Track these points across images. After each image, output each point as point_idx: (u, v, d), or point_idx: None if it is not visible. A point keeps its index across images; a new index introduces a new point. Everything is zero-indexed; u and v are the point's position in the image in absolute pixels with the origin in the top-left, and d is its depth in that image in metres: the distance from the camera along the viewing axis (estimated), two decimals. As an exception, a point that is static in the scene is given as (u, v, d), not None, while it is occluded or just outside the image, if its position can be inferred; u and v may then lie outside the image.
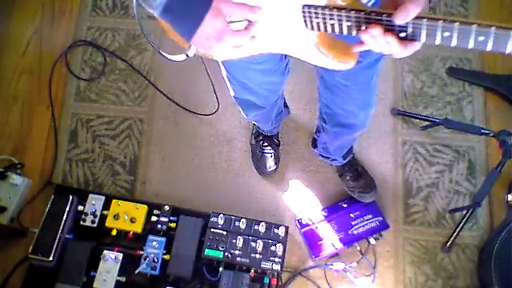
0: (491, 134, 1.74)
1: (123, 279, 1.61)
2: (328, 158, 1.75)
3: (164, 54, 0.93)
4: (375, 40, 0.74)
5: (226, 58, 0.88)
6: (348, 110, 1.31)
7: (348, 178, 1.78)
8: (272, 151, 1.85)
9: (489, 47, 0.67)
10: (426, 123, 1.90)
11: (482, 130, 1.76)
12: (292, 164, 1.90)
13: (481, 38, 0.67)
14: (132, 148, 1.96)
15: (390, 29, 0.72)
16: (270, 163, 1.85)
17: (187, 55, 0.90)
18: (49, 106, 2.03)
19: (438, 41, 0.70)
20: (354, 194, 1.79)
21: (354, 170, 1.78)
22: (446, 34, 0.69)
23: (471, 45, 0.68)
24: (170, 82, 2.05)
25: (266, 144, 1.84)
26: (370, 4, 0.88)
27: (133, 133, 1.98)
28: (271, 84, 1.30)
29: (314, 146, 1.79)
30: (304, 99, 1.98)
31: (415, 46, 0.74)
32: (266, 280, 1.60)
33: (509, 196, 1.77)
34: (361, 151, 1.89)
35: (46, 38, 2.16)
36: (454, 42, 0.69)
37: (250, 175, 1.90)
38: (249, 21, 0.83)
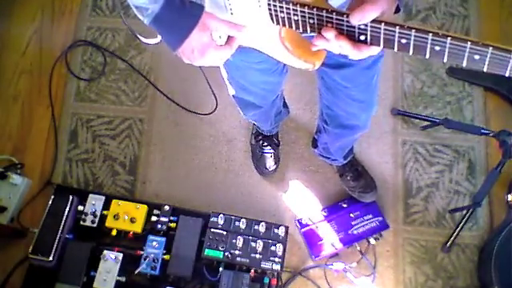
0: (491, 134, 1.74)
1: (123, 279, 1.61)
2: (328, 158, 1.75)
3: (139, 36, 0.95)
4: (328, 42, 0.75)
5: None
6: (350, 111, 1.31)
7: (348, 178, 1.78)
8: (272, 151, 1.85)
9: (445, 58, 0.66)
10: (426, 123, 1.90)
11: (482, 130, 1.76)
12: (292, 164, 1.90)
13: (437, 48, 0.66)
14: (132, 148, 1.96)
15: (349, 30, 0.72)
16: (270, 163, 1.85)
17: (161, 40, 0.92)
18: (49, 106, 2.03)
19: (396, 47, 0.70)
20: (355, 194, 1.79)
21: (355, 169, 1.78)
22: (404, 40, 0.68)
23: (428, 55, 0.67)
24: (169, 82, 2.05)
25: (265, 144, 1.84)
26: (337, 4, 0.88)
27: (133, 133, 1.98)
28: (269, 84, 1.30)
29: (315, 146, 1.79)
30: (304, 99, 1.98)
31: (370, 50, 0.73)
32: (266, 280, 1.61)
33: (509, 196, 1.77)
34: (361, 151, 1.89)
35: (45, 38, 2.16)
36: (411, 51, 0.68)
37: (250, 175, 1.90)
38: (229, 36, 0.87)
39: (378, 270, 1.74)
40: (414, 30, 0.66)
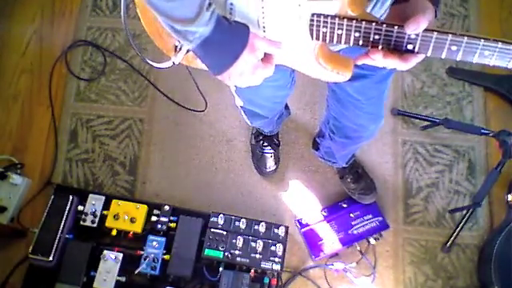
0: (491, 134, 1.74)
1: (123, 279, 1.61)
2: (329, 161, 1.75)
3: (150, 61, 0.93)
4: (375, 62, 0.76)
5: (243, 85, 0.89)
6: (358, 123, 1.30)
7: (349, 180, 1.78)
8: (272, 151, 1.85)
9: (492, 62, 0.71)
10: (426, 123, 1.90)
11: (482, 130, 1.76)
12: (292, 164, 1.90)
13: (486, 53, 0.69)
14: (132, 148, 1.96)
15: (397, 41, 0.73)
16: (270, 163, 1.85)
17: (173, 63, 0.89)
18: (49, 106, 2.03)
19: (444, 55, 0.72)
20: (354, 196, 1.79)
21: (355, 172, 1.78)
22: (454, 47, 0.70)
23: (475, 59, 0.71)
24: (169, 82, 2.05)
25: (265, 144, 1.84)
26: (379, 16, 0.88)
27: (133, 133, 1.98)
28: (279, 97, 1.32)
29: (316, 148, 1.79)
30: (304, 99, 1.98)
31: (418, 58, 0.75)
32: (266, 280, 1.61)
33: (509, 196, 1.77)
34: (361, 151, 1.89)
35: (45, 38, 2.16)
36: (459, 57, 0.72)
37: (250, 175, 1.90)
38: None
39: (377, 269, 1.74)
40: (466, 38, 0.69)
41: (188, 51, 0.85)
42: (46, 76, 2.08)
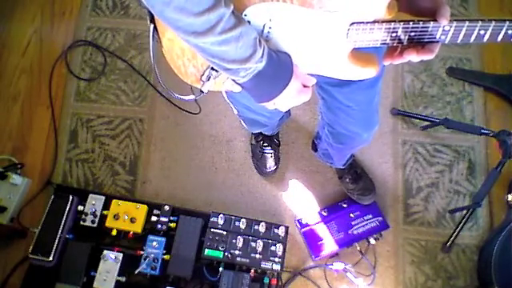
0: (491, 134, 1.74)
1: (123, 279, 1.61)
2: (327, 161, 1.75)
3: (180, 96, 0.98)
4: (406, 60, 0.79)
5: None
6: (352, 130, 1.30)
7: (347, 180, 1.78)
8: (272, 151, 1.85)
9: (500, 38, 0.76)
10: (426, 123, 1.90)
11: (482, 130, 1.76)
12: (292, 164, 1.91)
13: (510, 32, 0.74)
14: (132, 148, 1.96)
15: (431, 34, 0.77)
16: (270, 163, 1.85)
17: (202, 91, 0.94)
18: (49, 106, 2.03)
19: (472, 39, 0.77)
20: (354, 196, 1.79)
21: (354, 172, 1.78)
22: (482, 32, 0.75)
23: (500, 38, 0.76)
24: (169, 83, 2.04)
25: (266, 144, 1.84)
26: None
27: (133, 133, 1.98)
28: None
29: (315, 149, 1.79)
30: (304, 99, 1.98)
31: (439, 45, 0.79)
32: (266, 280, 1.61)
33: (509, 196, 1.77)
34: (361, 151, 1.89)
35: (45, 38, 2.16)
36: (485, 39, 0.76)
37: (250, 175, 1.90)
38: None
39: (377, 269, 1.74)
40: (493, 22, 0.74)
41: (215, 78, 0.89)
42: (46, 76, 2.08)
